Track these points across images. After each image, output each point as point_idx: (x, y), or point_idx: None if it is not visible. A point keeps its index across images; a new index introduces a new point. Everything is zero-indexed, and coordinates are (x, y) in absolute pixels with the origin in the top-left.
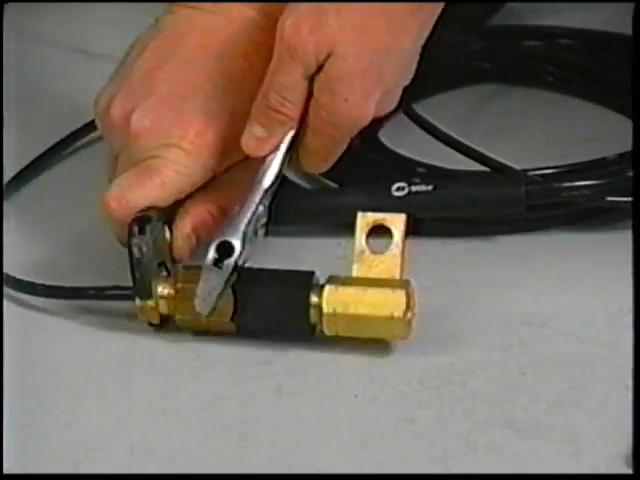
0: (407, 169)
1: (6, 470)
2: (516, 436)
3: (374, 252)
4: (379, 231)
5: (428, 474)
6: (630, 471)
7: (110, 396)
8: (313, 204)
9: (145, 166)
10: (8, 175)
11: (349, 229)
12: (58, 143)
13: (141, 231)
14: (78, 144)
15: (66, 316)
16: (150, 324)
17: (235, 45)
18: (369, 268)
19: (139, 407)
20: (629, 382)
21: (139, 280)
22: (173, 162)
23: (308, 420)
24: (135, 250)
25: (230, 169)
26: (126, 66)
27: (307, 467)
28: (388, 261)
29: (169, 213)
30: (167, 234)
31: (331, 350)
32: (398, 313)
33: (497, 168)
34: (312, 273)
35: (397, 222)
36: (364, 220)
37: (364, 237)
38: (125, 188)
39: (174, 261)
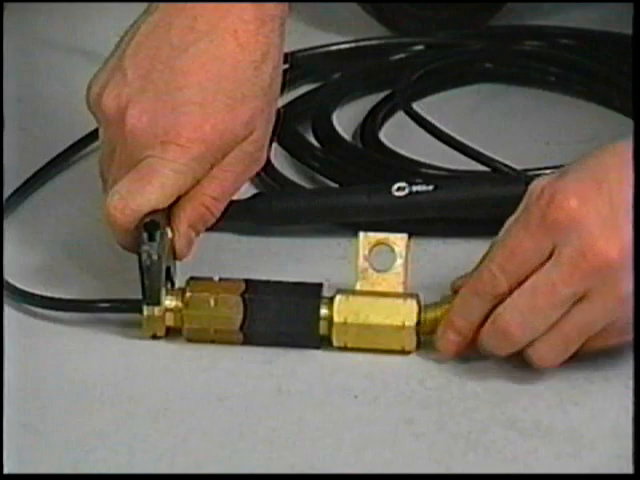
0: (407, 169)
1: (6, 470)
2: (516, 436)
3: (377, 270)
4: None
5: (428, 474)
6: (630, 471)
7: (110, 396)
8: (313, 204)
9: (143, 168)
10: (9, 178)
11: (349, 229)
12: (57, 157)
13: (150, 238)
14: (82, 153)
15: (66, 317)
16: (153, 336)
17: (224, 24)
18: (372, 286)
19: (139, 407)
20: (629, 382)
21: (148, 287)
22: (170, 161)
23: (308, 420)
24: (145, 257)
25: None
26: (119, 51)
27: (307, 467)
28: (391, 279)
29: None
30: (168, 233)
31: (331, 350)
32: (409, 322)
33: (497, 168)
34: (321, 285)
35: (399, 241)
36: (366, 240)
37: (366, 256)
38: (126, 196)
39: (175, 258)
